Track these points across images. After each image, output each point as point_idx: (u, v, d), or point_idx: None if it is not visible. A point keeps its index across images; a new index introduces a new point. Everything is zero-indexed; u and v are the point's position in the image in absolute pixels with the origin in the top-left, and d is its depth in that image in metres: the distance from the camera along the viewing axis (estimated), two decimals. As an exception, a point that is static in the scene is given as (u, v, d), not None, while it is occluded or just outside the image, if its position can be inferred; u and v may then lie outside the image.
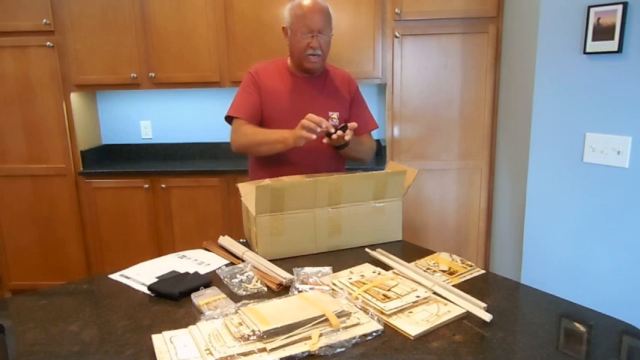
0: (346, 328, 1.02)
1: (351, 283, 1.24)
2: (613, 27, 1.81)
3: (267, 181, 1.54)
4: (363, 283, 1.23)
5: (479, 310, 1.09)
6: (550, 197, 2.10)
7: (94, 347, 1.01)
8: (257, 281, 1.28)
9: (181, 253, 1.53)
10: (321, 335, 0.98)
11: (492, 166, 2.87)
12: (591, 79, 1.92)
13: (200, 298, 1.18)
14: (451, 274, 1.32)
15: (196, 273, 1.33)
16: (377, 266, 1.37)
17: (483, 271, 1.35)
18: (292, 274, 1.30)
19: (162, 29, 2.89)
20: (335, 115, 1.84)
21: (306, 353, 0.95)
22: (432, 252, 1.50)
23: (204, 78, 2.94)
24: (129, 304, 1.19)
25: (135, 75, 2.94)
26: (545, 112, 2.07)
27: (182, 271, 1.35)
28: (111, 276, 1.37)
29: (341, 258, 1.46)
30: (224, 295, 1.19)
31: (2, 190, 3.05)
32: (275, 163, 1.79)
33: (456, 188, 2.92)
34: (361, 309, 1.11)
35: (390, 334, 1.03)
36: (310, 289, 1.20)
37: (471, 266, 1.37)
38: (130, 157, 3.42)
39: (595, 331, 1.05)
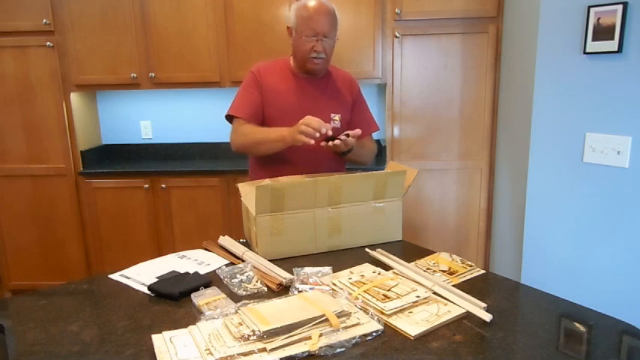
0: (346, 328, 1.02)
1: (351, 283, 1.24)
2: (613, 27, 1.81)
3: (267, 181, 1.54)
4: (363, 283, 1.23)
5: (479, 310, 1.09)
6: (550, 197, 2.10)
7: (94, 347, 1.01)
8: (257, 281, 1.28)
9: (181, 253, 1.53)
10: (321, 335, 0.98)
11: (492, 166, 2.87)
12: (591, 79, 1.92)
13: (200, 298, 1.18)
14: (451, 274, 1.32)
15: (196, 273, 1.33)
16: (377, 266, 1.37)
17: (483, 271, 1.35)
18: (292, 274, 1.30)
19: (162, 29, 2.89)
20: (337, 117, 1.83)
21: (306, 353, 0.95)
22: (432, 252, 1.50)
23: (204, 78, 2.94)
24: (129, 304, 1.19)
25: (135, 75, 2.94)
26: (545, 112, 2.07)
27: (182, 271, 1.35)
28: (111, 276, 1.37)
29: (341, 258, 1.46)
30: (224, 295, 1.19)
31: (2, 190, 3.05)
32: (275, 163, 1.79)
33: (455, 188, 2.92)
34: (361, 309, 1.11)
35: (390, 334, 1.03)
36: (310, 289, 1.20)
37: (471, 266, 1.37)
38: (130, 157, 3.42)
39: (595, 331, 1.05)
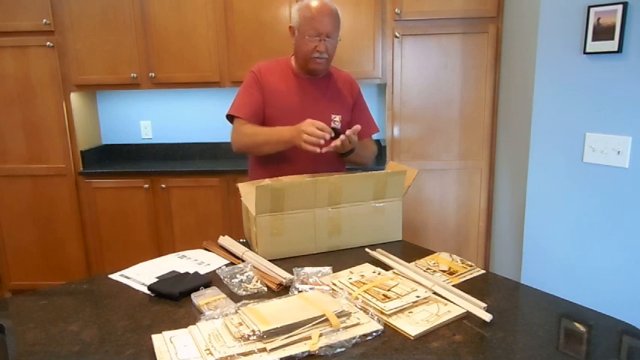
0: (346, 328, 1.02)
1: (351, 283, 1.24)
2: (613, 27, 1.81)
3: (267, 181, 1.54)
4: (363, 283, 1.23)
5: (479, 310, 1.09)
6: (550, 197, 2.10)
7: (94, 347, 1.01)
8: (257, 281, 1.28)
9: (181, 253, 1.53)
10: (321, 335, 0.98)
11: (492, 166, 2.87)
12: (591, 79, 1.92)
13: (200, 298, 1.18)
14: (451, 274, 1.32)
15: (196, 273, 1.33)
16: (377, 266, 1.37)
17: (483, 271, 1.35)
18: (292, 274, 1.30)
19: (163, 29, 2.89)
20: (337, 117, 1.83)
21: (306, 353, 0.95)
22: (432, 252, 1.50)
23: (204, 78, 2.94)
24: (129, 304, 1.19)
25: (135, 75, 2.94)
26: (545, 112, 2.07)
27: (182, 271, 1.34)
28: (111, 276, 1.37)
29: (341, 258, 1.46)
30: (224, 295, 1.19)
31: (2, 190, 3.05)
32: (275, 163, 1.79)
33: (456, 188, 2.92)
34: (361, 309, 1.11)
35: (390, 334, 1.03)
36: (310, 289, 1.20)
37: (470, 266, 1.37)
38: (130, 157, 3.42)
39: (595, 331, 1.05)
